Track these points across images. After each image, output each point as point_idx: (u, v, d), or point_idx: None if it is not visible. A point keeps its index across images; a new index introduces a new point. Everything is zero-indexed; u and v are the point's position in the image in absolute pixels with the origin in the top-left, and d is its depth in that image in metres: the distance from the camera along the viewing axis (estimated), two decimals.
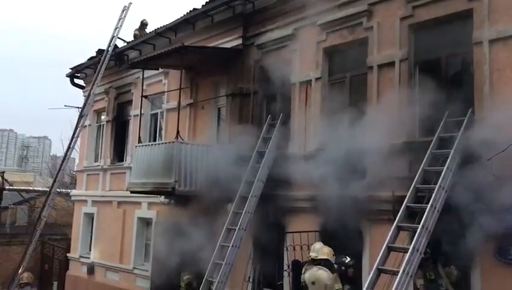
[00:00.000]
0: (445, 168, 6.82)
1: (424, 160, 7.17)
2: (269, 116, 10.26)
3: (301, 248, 8.53)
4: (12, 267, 14.27)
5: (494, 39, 7.15)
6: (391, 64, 8.33)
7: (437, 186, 6.70)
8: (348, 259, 7.55)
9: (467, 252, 6.89)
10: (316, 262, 7.43)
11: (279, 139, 9.82)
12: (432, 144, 7.27)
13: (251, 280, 9.81)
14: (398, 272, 6.17)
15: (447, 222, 6.69)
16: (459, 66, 8.01)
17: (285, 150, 9.75)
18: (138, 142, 11.70)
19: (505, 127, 6.31)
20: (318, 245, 7.77)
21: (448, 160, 6.90)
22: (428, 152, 7.21)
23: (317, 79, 9.49)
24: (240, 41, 10.97)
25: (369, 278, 6.47)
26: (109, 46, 14.65)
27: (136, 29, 15.53)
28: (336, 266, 7.40)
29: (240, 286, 9.77)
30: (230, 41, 11.14)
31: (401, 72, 8.20)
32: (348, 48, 9.23)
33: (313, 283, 7.26)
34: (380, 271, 6.46)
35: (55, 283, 17.49)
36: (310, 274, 7.34)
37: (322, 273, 7.18)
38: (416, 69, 8.22)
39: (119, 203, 14.48)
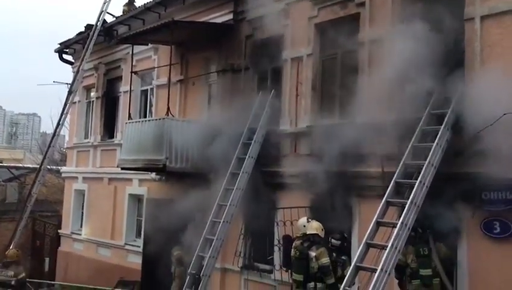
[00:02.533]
0: (434, 144, 6.87)
1: (414, 136, 7.19)
2: (260, 92, 10.22)
3: (291, 223, 8.63)
4: (3, 243, 14.29)
5: (485, 15, 7.12)
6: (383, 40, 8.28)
7: (426, 162, 6.75)
8: (335, 239, 7.67)
9: (454, 228, 7.02)
10: (305, 237, 7.52)
11: (270, 116, 9.80)
12: (422, 120, 7.29)
13: (242, 254, 9.94)
14: (387, 246, 6.27)
15: (435, 198, 6.77)
16: (450, 43, 7.98)
17: (276, 126, 9.75)
18: (128, 119, 11.64)
19: (494, 103, 6.34)
20: (302, 220, 7.84)
21: (438, 136, 6.93)
22: (418, 128, 7.23)
23: (308, 55, 9.43)
24: (230, 16, 10.83)
25: (358, 252, 6.58)
26: (98, 21, 14.40)
27: (124, 5, 15.27)
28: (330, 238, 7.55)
29: (230, 260, 9.91)
30: (221, 16, 11.00)
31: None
32: (339, 24, 9.15)
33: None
34: (368, 245, 6.56)
35: (47, 259, 17.55)
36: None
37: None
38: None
39: (110, 179, 14.45)
